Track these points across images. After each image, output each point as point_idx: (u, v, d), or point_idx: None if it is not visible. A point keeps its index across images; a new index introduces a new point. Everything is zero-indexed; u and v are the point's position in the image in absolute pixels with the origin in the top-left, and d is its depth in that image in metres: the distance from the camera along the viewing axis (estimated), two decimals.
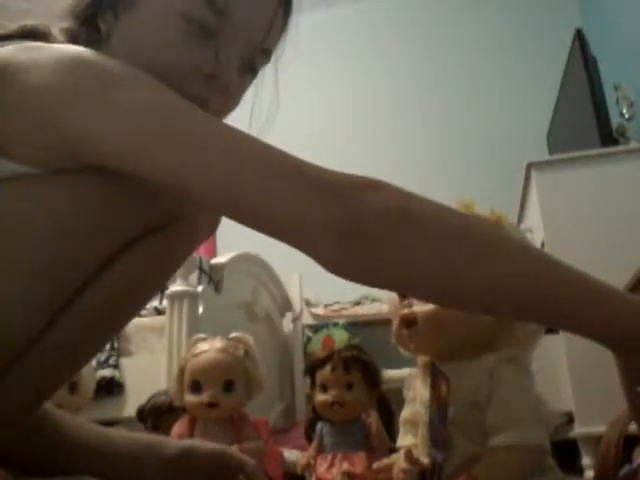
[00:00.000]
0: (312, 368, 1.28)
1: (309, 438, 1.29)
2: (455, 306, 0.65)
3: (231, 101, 0.67)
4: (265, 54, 0.68)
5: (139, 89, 0.55)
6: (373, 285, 0.56)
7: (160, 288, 0.67)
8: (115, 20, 0.64)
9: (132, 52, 0.62)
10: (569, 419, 1.61)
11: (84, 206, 0.57)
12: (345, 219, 0.51)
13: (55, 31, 0.65)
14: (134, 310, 0.65)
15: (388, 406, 1.30)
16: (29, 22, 0.66)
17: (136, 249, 0.59)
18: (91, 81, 0.54)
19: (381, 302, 2.57)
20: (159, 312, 1.95)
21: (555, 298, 0.53)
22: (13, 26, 0.65)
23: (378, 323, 2.41)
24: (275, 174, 0.52)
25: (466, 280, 0.53)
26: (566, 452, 1.49)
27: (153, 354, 1.89)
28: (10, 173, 0.54)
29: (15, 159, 0.54)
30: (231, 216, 0.55)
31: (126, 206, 0.58)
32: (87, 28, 0.65)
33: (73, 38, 0.65)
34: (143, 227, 0.60)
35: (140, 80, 0.56)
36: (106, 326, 0.63)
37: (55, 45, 0.59)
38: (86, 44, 0.62)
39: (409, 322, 0.94)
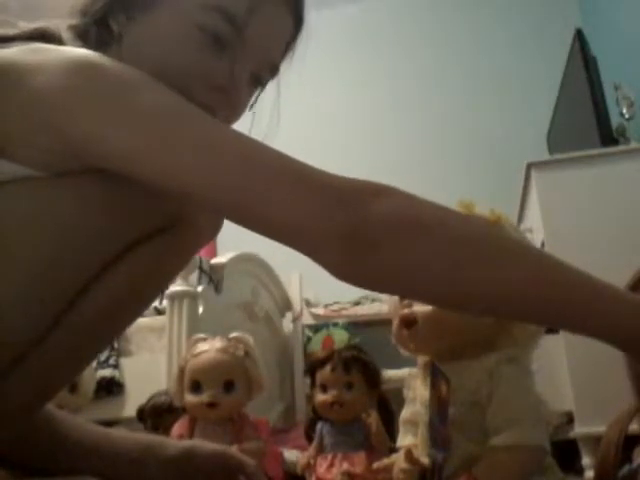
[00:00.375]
0: (312, 368, 1.28)
1: (309, 438, 1.29)
2: (460, 309, 0.65)
3: (236, 113, 0.68)
4: (274, 69, 0.70)
5: (145, 92, 0.55)
6: (377, 290, 0.56)
7: (162, 290, 0.67)
8: (128, 21, 0.64)
9: (142, 54, 0.62)
10: (569, 419, 1.61)
11: (87, 208, 0.57)
12: (349, 224, 0.50)
13: (63, 27, 0.66)
14: (137, 312, 0.65)
15: (388, 406, 1.30)
16: (41, 24, 0.66)
17: (139, 251, 0.59)
18: (97, 84, 0.54)
19: (381, 302, 2.57)
20: (159, 312, 1.95)
21: (558, 299, 0.53)
22: (25, 27, 0.65)
23: (378, 323, 2.41)
24: (278, 178, 0.52)
25: (470, 284, 0.53)
26: (566, 452, 1.49)
27: (153, 354, 1.89)
28: (13, 175, 0.54)
29: (19, 161, 0.54)
30: (234, 220, 0.55)
31: (129, 208, 0.58)
32: (98, 27, 0.65)
33: (82, 36, 0.65)
34: (146, 229, 0.60)
35: (147, 84, 0.56)
36: (108, 328, 0.63)
37: (63, 48, 0.59)
38: (96, 43, 0.62)
39: (409, 322, 0.94)
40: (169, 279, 0.67)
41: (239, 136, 0.55)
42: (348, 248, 0.51)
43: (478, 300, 0.54)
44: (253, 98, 0.71)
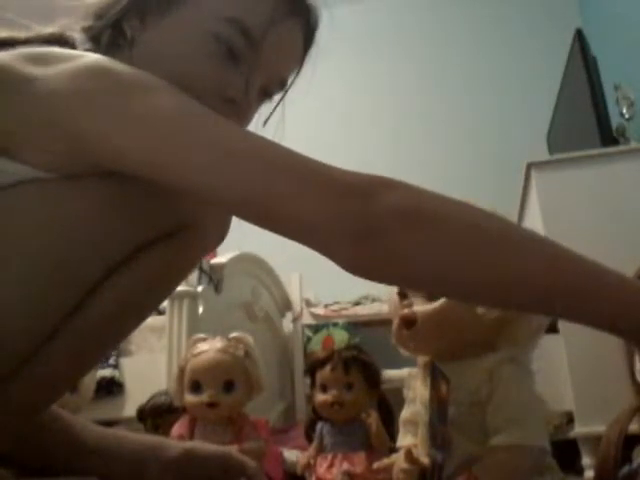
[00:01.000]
0: (312, 368, 1.28)
1: (309, 438, 1.29)
2: (470, 301, 0.64)
3: (244, 123, 0.69)
4: (283, 83, 0.71)
5: (155, 92, 0.55)
6: (387, 283, 0.56)
7: (169, 294, 0.67)
8: (142, 26, 0.65)
9: (154, 59, 0.63)
10: (569, 419, 1.61)
11: (95, 210, 0.57)
12: (359, 217, 0.51)
13: (76, 29, 0.66)
14: (142, 316, 0.65)
15: (388, 406, 1.30)
16: (56, 29, 0.66)
17: (146, 255, 0.59)
18: (106, 86, 0.55)
19: (381, 302, 2.57)
20: (159, 312, 1.95)
21: (563, 287, 0.53)
22: (40, 30, 0.65)
23: (378, 323, 2.41)
24: (287, 174, 0.52)
25: (481, 275, 0.52)
26: (566, 452, 1.49)
27: (153, 354, 1.89)
28: (22, 176, 0.55)
29: (27, 163, 0.55)
30: (244, 217, 0.55)
31: (137, 211, 0.58)
32: (112, 30, 0.66)
33: (95, 38, 0.66)
34: (153, 233, 0.60)
35: (156, 85, 0.56)
36: (113, 332, 0.63)
37: (75, 51, 0.59)
38: (108, 46, 0.63)
39: (409, 322, 0.94)
40: (175, 284, 0.67)
41: (248, 134, 0.56)
42: (360, 241, 0.51)
43: (488, 291, 0.54)
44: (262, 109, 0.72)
